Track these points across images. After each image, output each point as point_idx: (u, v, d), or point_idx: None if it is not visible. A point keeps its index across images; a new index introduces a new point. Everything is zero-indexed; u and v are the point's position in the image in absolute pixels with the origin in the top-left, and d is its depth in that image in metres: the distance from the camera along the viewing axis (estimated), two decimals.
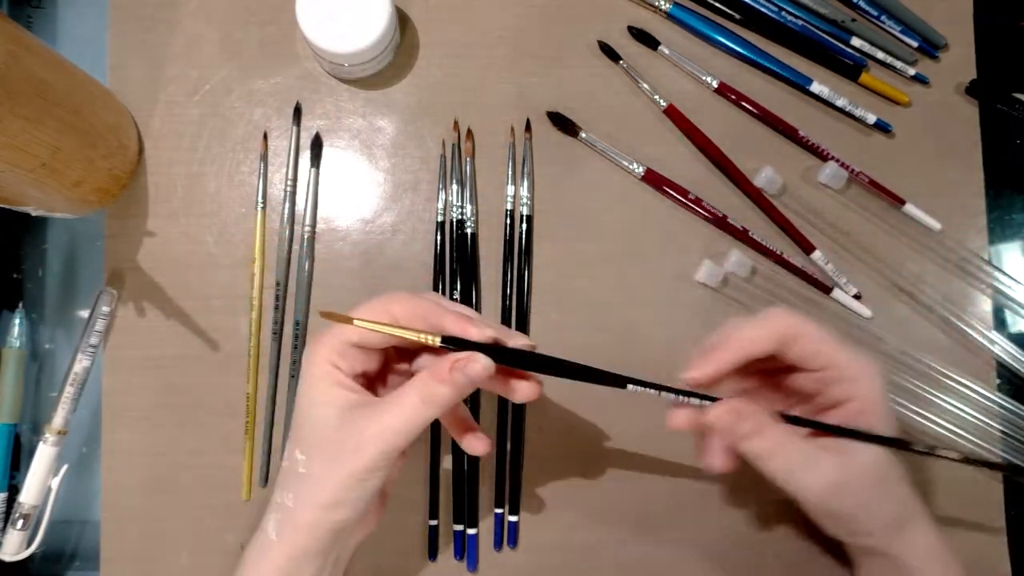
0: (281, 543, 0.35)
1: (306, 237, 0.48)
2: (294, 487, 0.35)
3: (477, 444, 0.38)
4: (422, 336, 0.33)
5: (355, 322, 0.33)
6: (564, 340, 0.49)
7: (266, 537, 0.35)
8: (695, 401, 0.36)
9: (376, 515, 0.40)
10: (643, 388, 0.36)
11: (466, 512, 0.47)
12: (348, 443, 0.33)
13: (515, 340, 0.35)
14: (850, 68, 0.50)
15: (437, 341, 0.33)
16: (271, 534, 0.35)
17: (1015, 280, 0.50)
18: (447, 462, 0.48)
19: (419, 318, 0.34)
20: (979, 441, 0.49)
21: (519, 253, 0.49)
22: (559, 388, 0.48)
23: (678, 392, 0.36)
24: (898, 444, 0.36)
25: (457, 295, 0.48)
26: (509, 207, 0.49)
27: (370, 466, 0.33)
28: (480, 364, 0.33)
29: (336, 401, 0.34)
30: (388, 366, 0.38)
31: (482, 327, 0.34)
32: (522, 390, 0.36)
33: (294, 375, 0.48)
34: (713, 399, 0.36)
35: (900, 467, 0.37)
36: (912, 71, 0.51)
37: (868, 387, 0.36)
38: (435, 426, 0.48)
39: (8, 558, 0.44)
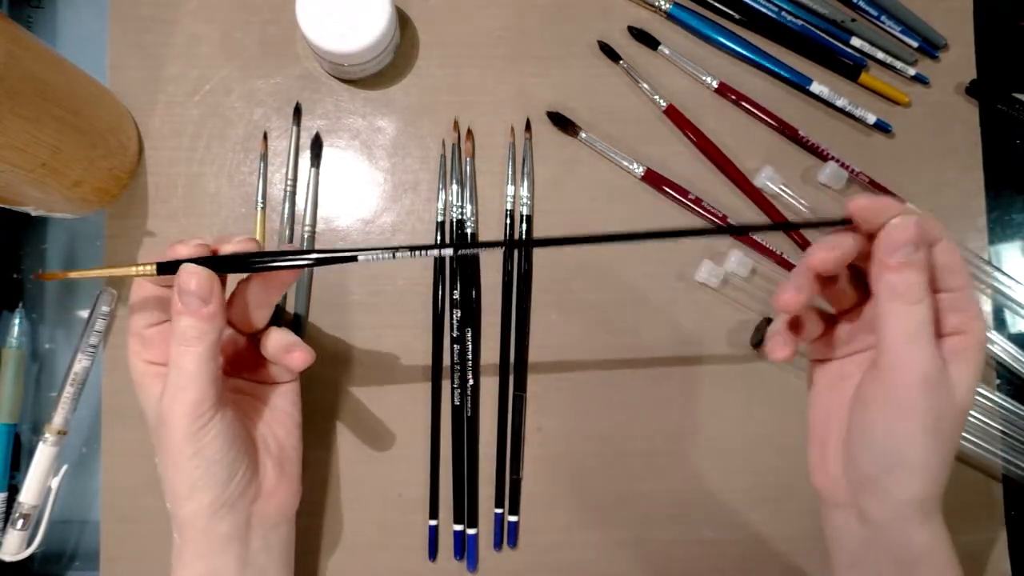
0: (183, 546, 0.37)
1: (306, 237, 0.48)
2: (165, 488, 0.36)
3: (296, 356, 0.38)
4: (136, 269, 0.34)
5: (70, 274, 0.34)
6: (564, 340, 0.49)
7: (175, 545, 0.37)
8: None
9: (284, 485, 0.40)
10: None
11: (466, 512, 0.47)
12: (163, 423, 0.34)
13: (231, 245, 0.35)
14: (850, 68, 0.51)
15: (152, 269, 0.34)
16: (176, 539, 0.37)
17: (1015, 280, 0.50)
18: (447, 462, 0.48)
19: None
20: (979, 441, 0.49)
21: (519, 253, 0.49)
22: (560, 388, 0.48)
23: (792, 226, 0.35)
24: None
25: (457, 295, 0.48)
26: (509, 207, 0.49)
27: (185, 434, 0.34)
28: (187, 273, 0.33)
29: (152, 392, 0.35)
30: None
31: (191, 243, 0.34)
32: (295, 359, 0.38)
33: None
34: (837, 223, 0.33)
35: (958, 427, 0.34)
36: (912, 71, 0.51)
37: (980, 325, 0.34)
38: (435, 426, 0.48)
39: (8, 558, 0.44)
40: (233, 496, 0.36)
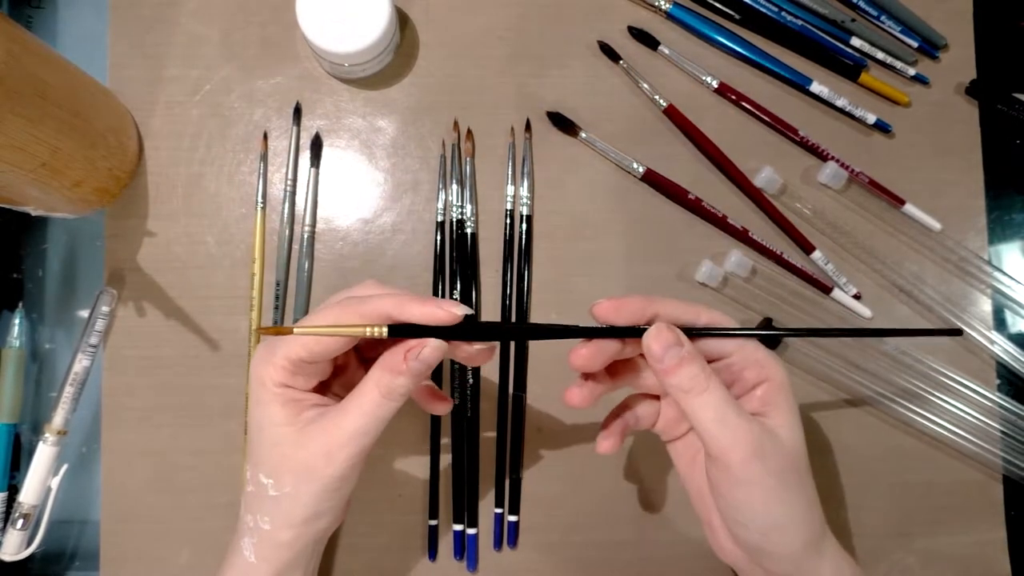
0: (263, 564, 0.35)
1: (306, 237, 0.48)
2: (268, 510, 0.35)
3: (440, 406, 0.39)
4: (368, 330, 0.33)
5: (295, 331, 0.33)
6: (564, 340, 0.48)
7: (244, 562, 0.36)
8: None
9: (345, 512, 0.40)
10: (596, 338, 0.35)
11: (466, 512, 0.47)
12: (317, 457, 0.33)
13: (454, 309, 0.34)
14: (850, 68, 0.51)
15: (384, 332, 0.33)
16: (250, 558, 0.36)
17: (1015, 280, 0.50)
18: (447, 462, 0.48)
19: (360, 315, 0.33)
20: (979, 441, 0.49)
21: (519, 253, 0.49)
22: (559, 388, 0.48)
23: (595, 333, 0.35)
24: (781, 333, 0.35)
25: (457, 295, 0.48)
26: (509, 207, 0.49)
27: (343, 474, 0.34)
28: (431, 348, 0.33)
29: (293, 420, 0.34)
30: (344, 365, 0.38)
31: (422, 303, 0.33)
32: (438, 408, 0.39)
33: None
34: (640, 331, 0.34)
35: (808, 467, 0.36)
36: (912, 71, 0.51)
37: (777, 370, 0.35)
38: (435, 426, 0.48)
39: (8, 558, 0.44)
40: (335, 522, 0.36)
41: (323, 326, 0.33)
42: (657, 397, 0.39)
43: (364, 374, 0.34)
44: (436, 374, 0.48)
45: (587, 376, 0.37)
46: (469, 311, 0.34)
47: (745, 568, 0.38)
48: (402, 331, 0.33)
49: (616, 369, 0.37)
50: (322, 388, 0.37)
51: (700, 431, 0.33)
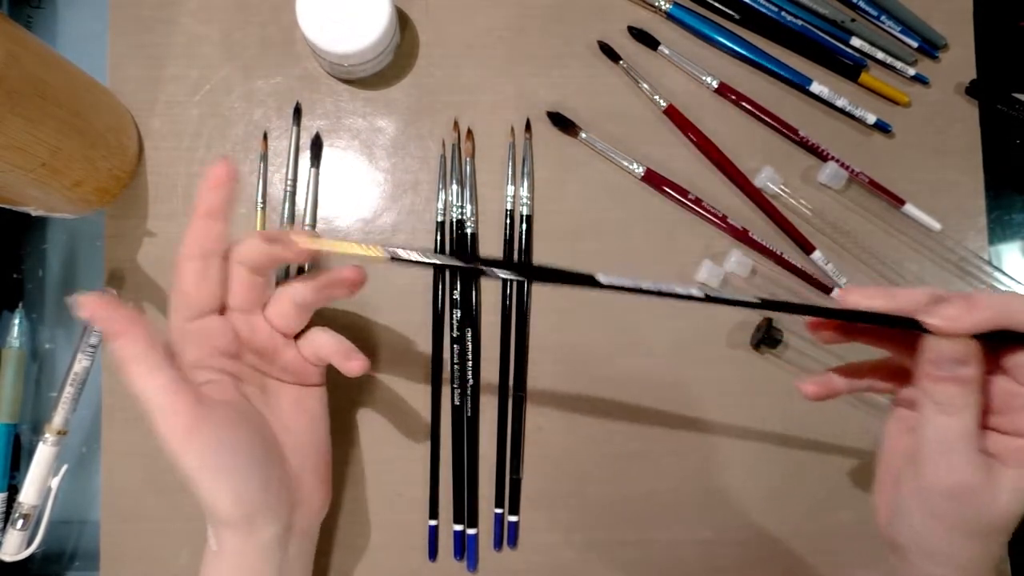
0: (222, 553, 0.37)
1: None
2: (201, 496, 0.36)
3: (356, 365, 0.38)
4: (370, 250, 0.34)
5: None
6: (564, 340, 0.49)
7: (208, 551, 0.37)
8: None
9: (319, 491, 0.40)
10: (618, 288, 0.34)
11: (466, 512, 0.47)
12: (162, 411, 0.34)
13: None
14: (850, 68, 0.51)
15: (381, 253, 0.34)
16: (212, 545, 0.37)
17: (1015, 280, 0.50)
18: (447, 462, 0.48)
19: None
20: None
21: (519, 253, 0.49)
22: (559, 388, 0.48)
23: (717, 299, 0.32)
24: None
25: (457, 295, 0.48)
26: (509, 207, 0.49)
27: (183, 435, 0.33)
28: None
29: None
30: None
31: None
32: (353, 367, 0.38)
33: None
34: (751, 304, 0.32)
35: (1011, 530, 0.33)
36: (912, 71, 0.51)
37: None
38: (435, 426, 0.47)
39: (8, 558, 0.44)
40: (272, 502, 0.36)
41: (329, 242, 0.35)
42: (901, 376, 0.36)
43: None
44: (437, 374, 0.48)
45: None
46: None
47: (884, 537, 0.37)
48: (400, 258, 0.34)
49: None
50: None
51: (921, 444, 0.32)
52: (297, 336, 0.40)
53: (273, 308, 0.38)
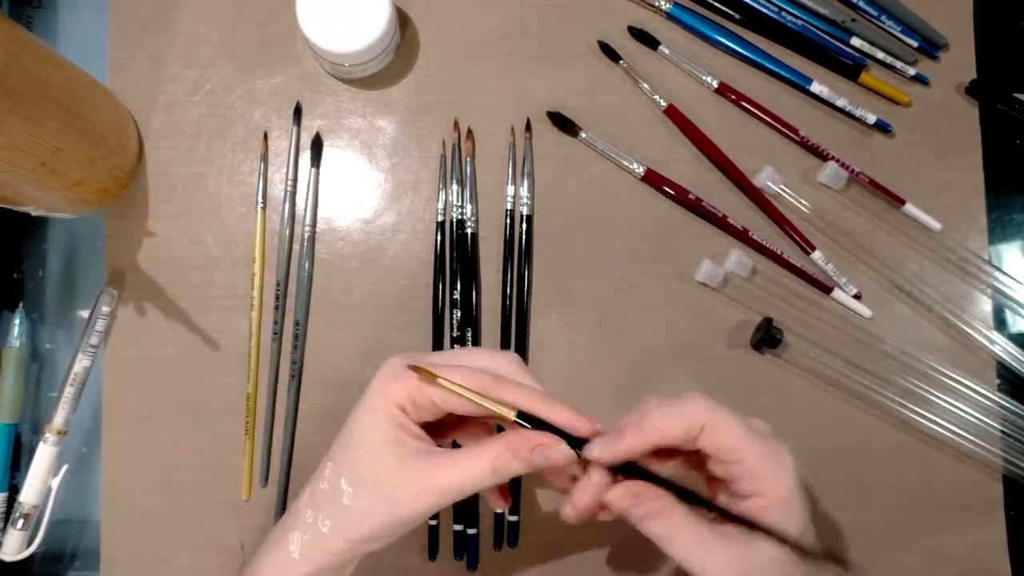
0: (304, 563, 0.35)
1: (306, 237, 0.48)
2: (332, 514, 0.34)
3: (501, 503, 0.39)
4: (501, 409, 0.33)
5: (439, 381, 0.33)
6: (564, 340, 0.49)
7: (287, 554, 0.35)
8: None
9: None
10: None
11: (466, 512, 0.47)
12: (405, 490, 0.33)
13: (592, 423, 0.35)
14: (850, 68, 0.51)
15: (512, 415, 0.33)
16: (294, 553, 0.35)
17: (1015, 280, 0.51)
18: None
19: (484, 386, 0.34)
20: (979, 441, 0.49)
21: (519, 253, 0.49)
22: (560, 387, 0.48)
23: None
24: (795, 546, 0.34)
25: (457, 295, 0.48)
26: (509, 207, 0.49)
27: (420, 516, 0.34)
28: (563, 453, 0.34)
29: (397, 445, 0.34)
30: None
31: (563, 410, 0.34)
32: (499, 503, 0.39)
33: (294, 375, 0.48)
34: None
35: (803, 566, 0.35)
36: (912, 71, 0.51)
37: (775, 486, 0.35)
38: None
39: (8, 558, 0.44)
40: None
41: (465, 388, 0.33)
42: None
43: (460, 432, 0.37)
44: None
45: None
46: (595, 427, 0.35)
47: None
48: (529, 421, 0.34)
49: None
50: (431, 426, 0.37)
51: (678, 562, 0.34)
52: None
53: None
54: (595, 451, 0.34)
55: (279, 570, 0.35)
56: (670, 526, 0.34)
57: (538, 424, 0.34)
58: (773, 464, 0.35)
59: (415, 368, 0.33)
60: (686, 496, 0.35)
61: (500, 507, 0.40)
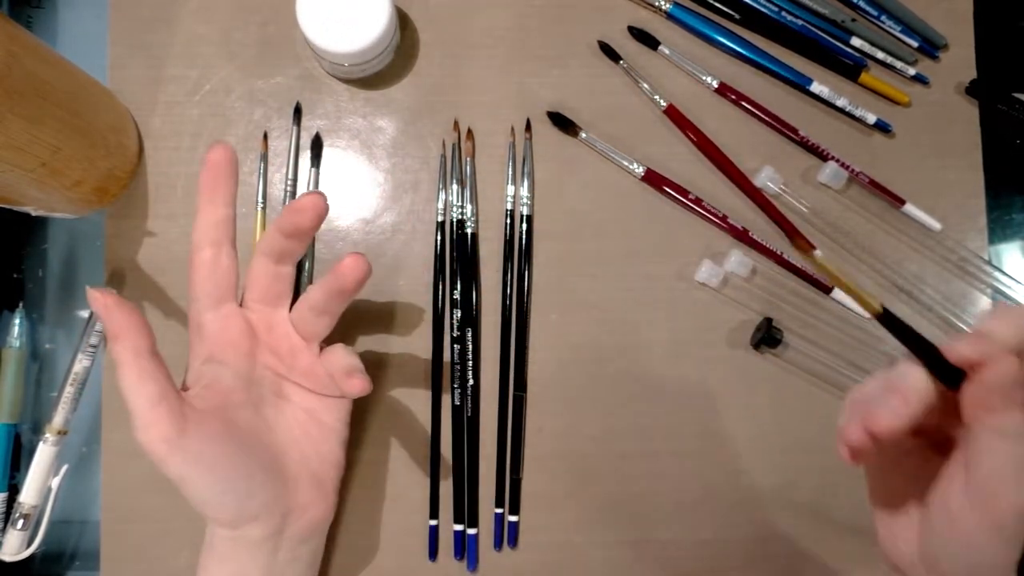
0: (211, 548, 0.38)
1: None
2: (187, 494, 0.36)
3: (355, 384, 0.38)
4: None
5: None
6: (564, 340, 0.49)
7: (204, 543, 0.38)
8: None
9: (319, 502, 0.40)
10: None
11: (466, 512, 0.47)
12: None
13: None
14: (850, 68, 0.51)
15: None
16: (207, 538, 0.38)
17: (1015, 280, 0.50)
18: (447, 462, 0.48)
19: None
20: None
21: (519, 253, 0.49)
22: (559, 388, 0.48)
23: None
24: None
25: (457, 295, 0.48)
26: (509, 207, 0.49)
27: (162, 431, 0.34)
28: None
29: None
30: None
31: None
32: (353, 385, 0.37)
33: None
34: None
35: None
36: (912, 71, 0.51)
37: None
38: (435, 426, 0.47)
39: (8, 558, 0.44)
40: (255, 509, 0.36)
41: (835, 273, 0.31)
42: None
43: None
44: (437, 375, 0.48)
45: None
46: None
47: (912, 573, 0.34)
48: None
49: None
50: None
51: (984, 474, 0.29)
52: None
53: (294, 312, 0.39)
54: (960, 347, 0.28)
55: (205, 562, 0.39)
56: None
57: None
58: None
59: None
60: None
61: (351, 387, 0.38)
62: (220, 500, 0.36)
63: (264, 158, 0.48)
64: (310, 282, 0.48)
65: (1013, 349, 0.29)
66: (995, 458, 0.29)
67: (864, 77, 0.50)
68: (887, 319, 0.30)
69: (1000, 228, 0.52)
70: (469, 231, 0.48)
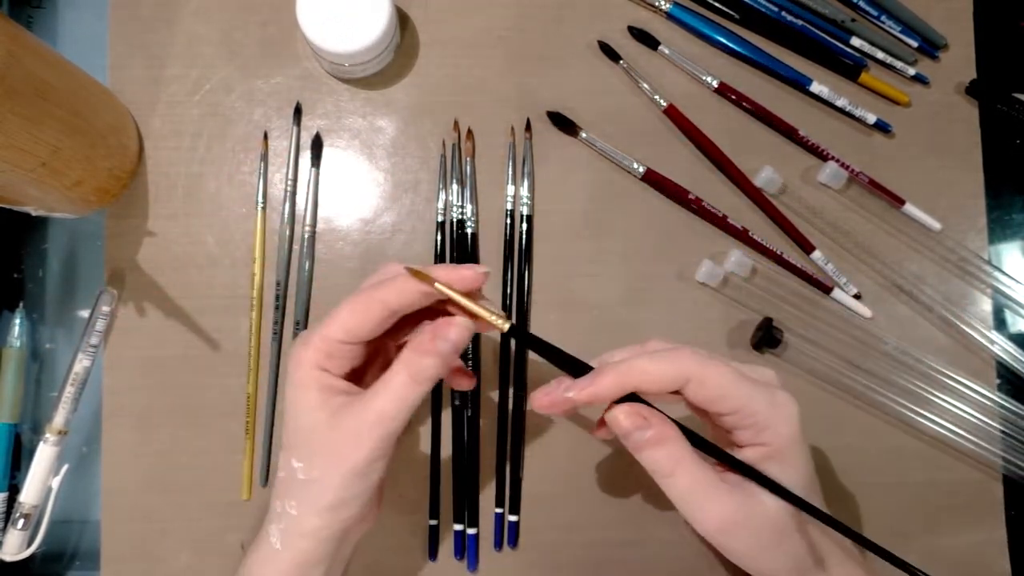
0: (287, 551, 0.35)
1: (306, 237, 0.48)
2: (296, 494, 0.34)
3: (463, 381, 0.39)
4: (493, 317, 0.34)
5: (436, 286, 0.33)
6: (564, 340, 0.48)
7: (270, 548, 0.35)
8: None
9: (375, 511, 0.39)
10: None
11: (466, 512, 0.47)
12: (346, 439, 0.33)
13: (477, 268, 0.35)
14: (850, 68, 0.51)
15: (505, 326, 0.34)
16: (275, 544, 0.35)
17: (1015, 280, 0.51)
18: (447, 462, 0.48)
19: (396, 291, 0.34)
20: (979, 441, 0.49)
21: (519, 253, 0.49)
22: None
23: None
24: (799, 503, 0.33)
25: None
26: (509, 207, 0.49)
27: (371, 456, 0.33)
28: (458, 327, 0.34)
29: (326, 404, 0.34)
30: (374, 355, 0.38)
31: (444, 268, 0.35)
32: (463, 383, 0.39)
33: None
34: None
35: (799, 517, 0.34)
36: (912, 71, 0.51)
37: (773, 436, 0.34)
38: (435, 426, 0.48)
39: (8, 558, 0.44)
40: (362, 516, 0.36)
41: (459, 292, 0.34)
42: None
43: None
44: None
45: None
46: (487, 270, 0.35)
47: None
48: (515, 334, 0.34)
49: None
50: (356, 378, 0.36)
51: (672, 501, 0.33)
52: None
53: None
54: (570, 391, 0.34)
55: (266, 563, 0.35)
56: (673, 459, 0.33)
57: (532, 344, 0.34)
58: (772, 413, 0.34)
59: (412, 271, 0.34)
60: (689, 436, 0.34)
61: (466, 386, 0.40)
62: (362, 502, 0.35)
63: (264, 158, 0.48)
64: (309, 282, 0.48)
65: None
66: (665, 491, 0.34)
67: (864, 77, 0.50)
68: (518, 332, 0.34)
69: (1000, 228, 0.52)
70: (469, 231, 0.48)
